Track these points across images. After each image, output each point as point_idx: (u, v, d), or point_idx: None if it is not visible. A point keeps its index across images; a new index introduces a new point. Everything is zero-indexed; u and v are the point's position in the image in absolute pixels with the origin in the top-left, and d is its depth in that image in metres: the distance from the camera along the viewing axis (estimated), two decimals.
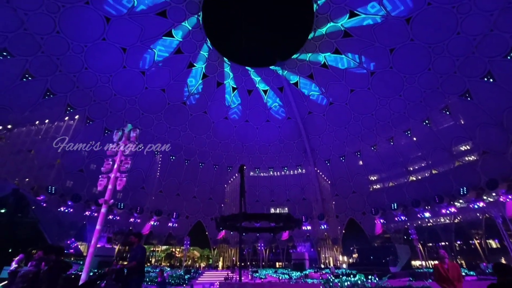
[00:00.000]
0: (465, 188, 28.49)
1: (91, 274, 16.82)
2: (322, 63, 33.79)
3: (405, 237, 35.46)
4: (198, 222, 42.84)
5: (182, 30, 29.60)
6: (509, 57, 22.42)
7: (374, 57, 30.43)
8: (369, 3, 26.08)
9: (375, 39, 28.38)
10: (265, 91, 39.44)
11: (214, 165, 42.86)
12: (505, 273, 4.37)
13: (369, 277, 18.76)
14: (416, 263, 36.05)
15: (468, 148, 29.39)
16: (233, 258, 44.74)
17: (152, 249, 44.44)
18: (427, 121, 31.35)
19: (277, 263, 46.70)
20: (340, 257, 41.23)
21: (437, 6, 23.38)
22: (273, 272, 28.89)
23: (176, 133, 38.30)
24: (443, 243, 34.54)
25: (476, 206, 28.16)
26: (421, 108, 30.93)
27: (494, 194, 26.65)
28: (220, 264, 47.24)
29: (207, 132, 40.30)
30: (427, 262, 34.10)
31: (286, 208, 43.52)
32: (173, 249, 53.01)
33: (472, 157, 29.04)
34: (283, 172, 44.78)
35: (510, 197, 25.07)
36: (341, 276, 20.41)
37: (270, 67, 36.64)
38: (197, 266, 55.45)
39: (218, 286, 19.15)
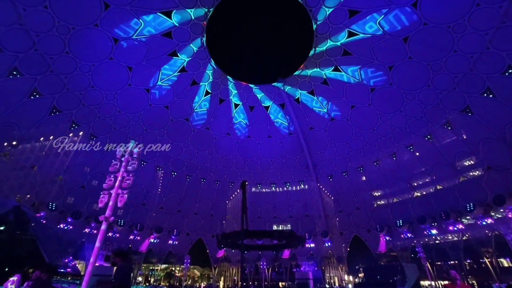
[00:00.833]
0: (471, 204, 27.96)
1: None
2: (323, 79, 34.51)
3: (412, 256, 34.30)
4: (199, 239, 42.00)
5: (187, 49, 30.64)
6: (507, 74, 22.81)
7: (373, 74, 31.06)
8: (367, 23, 26.99)
9: (374, 57, 29.09)
10: (267, 107, 40.00)
11: (215, 181, 42.63)
12: None
13: None
14: (425, 283, 34.56)
15: (472, 163, 29.11)
16: (235, 278, 43.30)
17: (151, 268, 43.22)
18: (429, 136, 31.36)
19: (280, 283, 45.05)
20: (346, 277, 39.68)
21: (433, 25, 24.14)
22: None
23: (179, 149, 38.49)
24: (452, 262, 33.33)
25: (484, 223, 27.49)
26: (422, 124, 31.07)
27: (502, 210, 26.07)
28: (221, 284, 45.60)
29: (209, 148, 40.49)
30: (436, 283, 32.70)
31: (289, 225, 42.67)
32: (173, 268, 51.46)
33: (477, 172, 28.73)
34: (285, 188, 44.31)
35: None
36: None
37: (272, 83, 37.42)
38: (198, 286, 53.58)
39: None
